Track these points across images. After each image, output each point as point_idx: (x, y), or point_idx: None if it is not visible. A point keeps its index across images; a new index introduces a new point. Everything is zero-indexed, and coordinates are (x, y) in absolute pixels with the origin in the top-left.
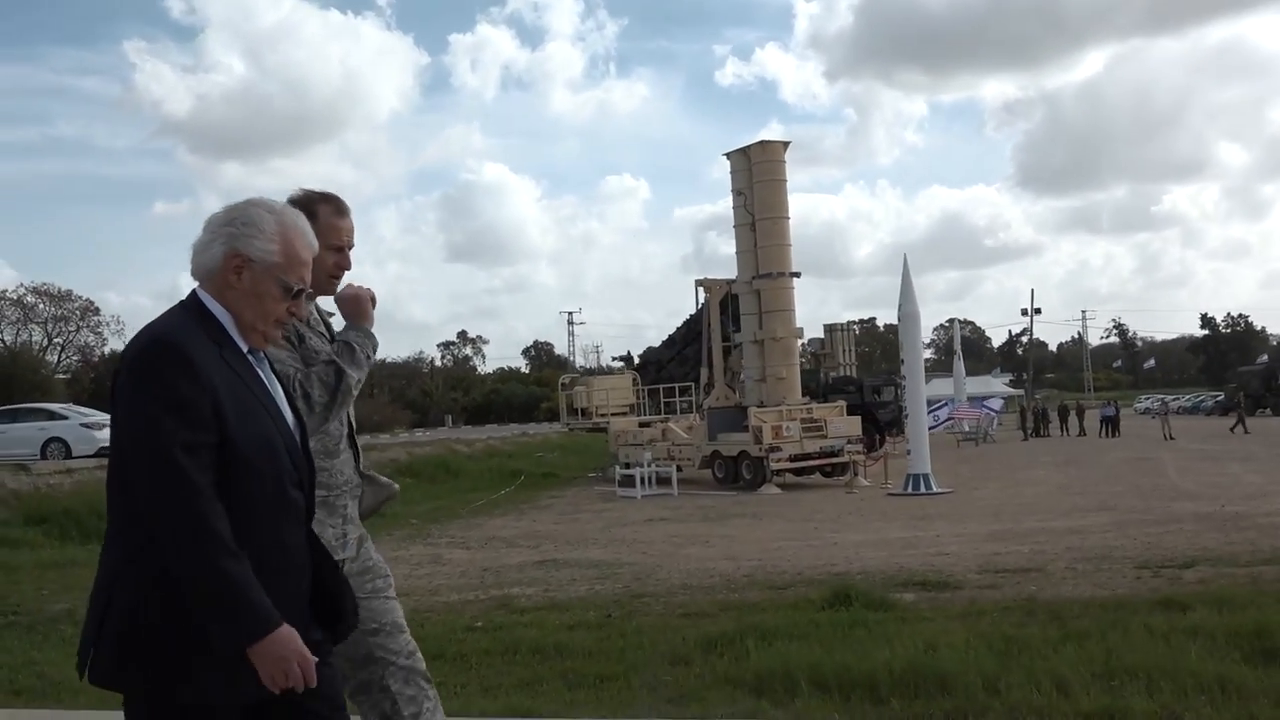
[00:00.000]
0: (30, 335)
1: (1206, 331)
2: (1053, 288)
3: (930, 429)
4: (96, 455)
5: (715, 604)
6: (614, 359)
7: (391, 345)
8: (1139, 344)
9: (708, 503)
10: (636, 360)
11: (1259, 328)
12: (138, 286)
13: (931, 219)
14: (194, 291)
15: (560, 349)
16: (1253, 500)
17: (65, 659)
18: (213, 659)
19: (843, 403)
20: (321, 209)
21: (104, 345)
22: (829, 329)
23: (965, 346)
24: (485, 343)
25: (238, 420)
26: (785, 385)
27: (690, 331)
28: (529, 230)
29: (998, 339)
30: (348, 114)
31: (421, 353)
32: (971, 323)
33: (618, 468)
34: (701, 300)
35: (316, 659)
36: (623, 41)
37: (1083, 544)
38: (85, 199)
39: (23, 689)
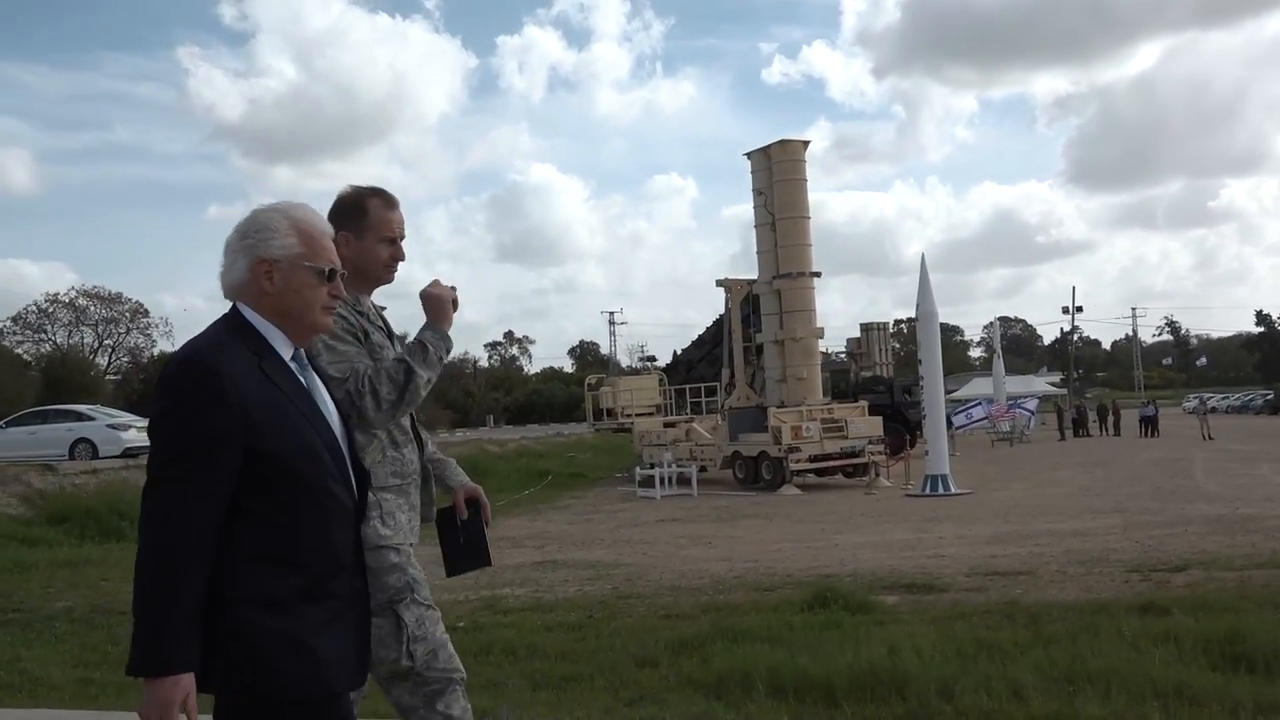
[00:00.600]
0: (82, 337)
1: (1262, 329)
2: (1106, 285)
3: (962, 429)
4: (122, 456)
5: (698, 606)
6: (640, 359)
7: None
8: (1193, 341)
9: (724, 503)
10: (656, 360)
11: None
12: (192, 289)
13: (982, 216)
14: (234, 306)
15: (606, 349)
16: (1271, 502)
17: (52, 656)
18: (281, 659)
19: (864, 403)
20: (371, 203)
21: (153, 347)
22: (865, 328)
23: (1016, 345)
24: (532, 343)
25: (277, 430)
26: (806, 385)
27: (720, 332)
28: (577, 230)
29: (1050, 336)
30: (397, 116)
31: (466, 353)
32: (1022, 320)
33: (637, 468)
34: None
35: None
36: (669, 41)
37: (1083, 546)
38: (141, 203)
39: (3, 685)
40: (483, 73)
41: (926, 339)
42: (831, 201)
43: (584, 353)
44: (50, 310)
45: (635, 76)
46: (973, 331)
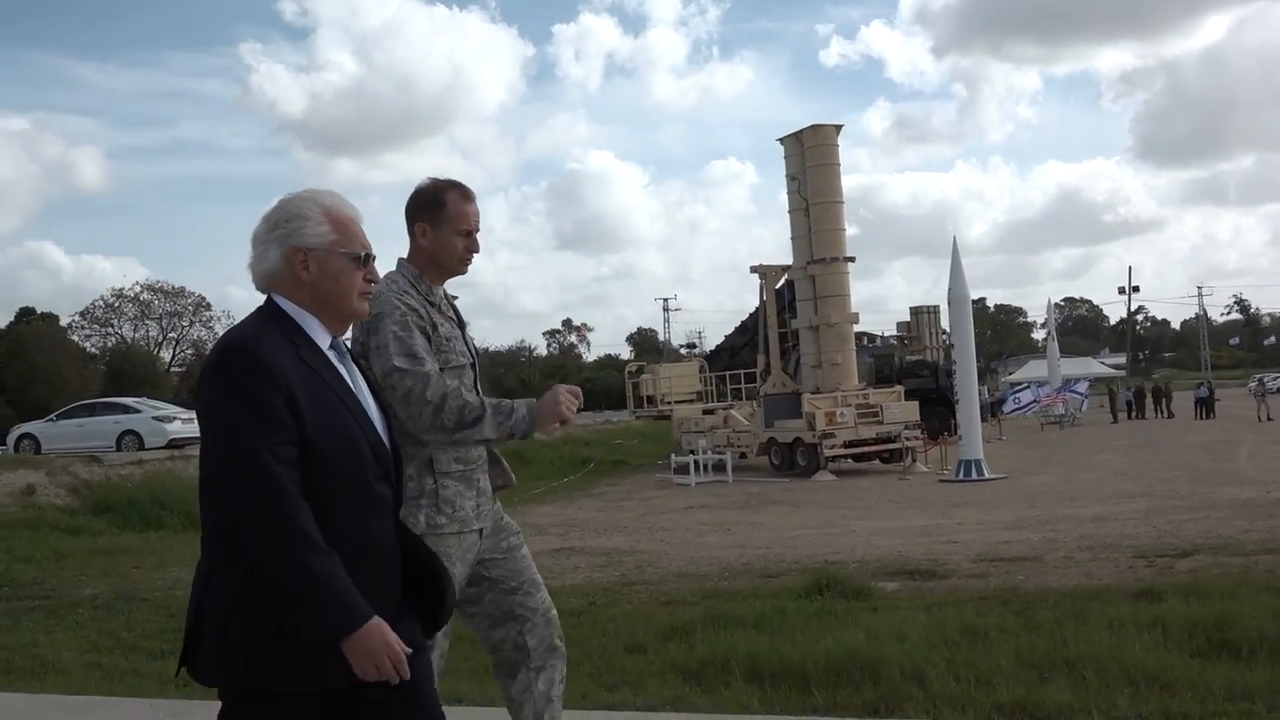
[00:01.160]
0: (147, 331)
1: None
2: (1177, 263)
3: (1012, 413)
4: (168, 447)
5: (700, 592)
6: (681, 346)
7: (496, 334)
8: (1266, 320)
9: (756, 490)
10: (697, 347)
11: None
12: None
13: (1047, 195)
14: (269, 297)
15: (664, 336)
16: None
17: (68, 641)
18: (293, 654)
19: (900, 388)
20: (449, 196)
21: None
22: (915, 311)
23: (1081, 326)
24: (590, 330)
25: (316, 418)
26: (841, 371)
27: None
28: (636, 217)
29: (1116, 316)
30: (455, 107)
31: (523, 340)
32: (1088, 301)
33: (673, 455)
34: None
35: (409, 650)
36: (725, 25)
37: (1099, 532)
38: (209, 198)
39: (15, 669)
40: (540, 62)
41: (959, 323)
42: (892, 183)
43: (642, 340)
44: (116, 305)
45: (692, 62)
46: (1036, 313)
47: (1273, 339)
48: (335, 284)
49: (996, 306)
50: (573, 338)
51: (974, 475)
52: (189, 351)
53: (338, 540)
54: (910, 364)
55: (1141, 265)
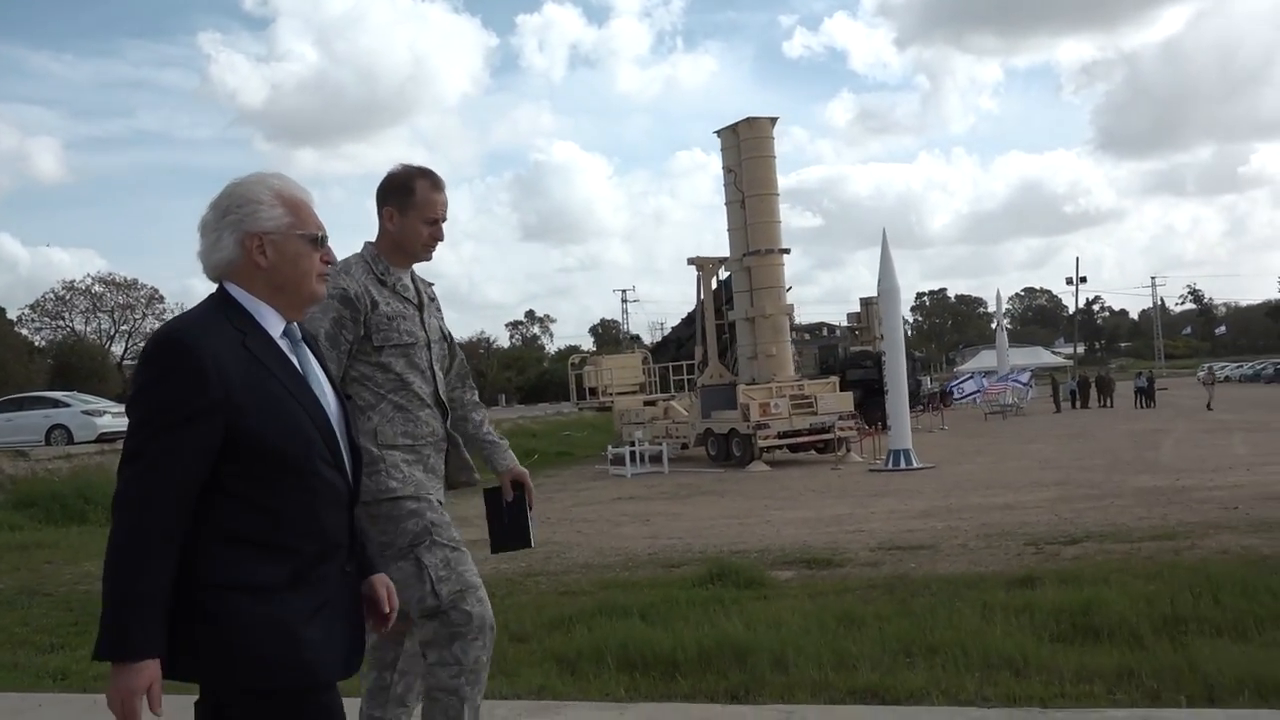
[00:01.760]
0: (99, 324)
1: None
2: (1136, 253)
3: (956, 402)
4: (97, 441)
5: (599, 583)
6: (629, 338)
7: (460, 326)
8: (1223, 309)
9: (689, 481)
10: (640, 339)
11: None
12: None
13: (1009, 186)
14: (221, 284)
15: (625, 327)
16: (1216, 473)
17: None
18: (270, 647)
19: (835, 379)
20: (419, 183)
21: None
22: (865, 302)
23: (1040, 316)
24: (553, 321)
25: (260, 409)
26: (776, 362)
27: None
28: (601, 208)
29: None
30: (418, 98)
31: (483, 332)
32: (1047, 291)
33: (610, 446)
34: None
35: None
36: (689, 15)
37: (1001, 520)
38: (168, 189)
39: None
40: (503, 52)
41: (888, 315)
42: (856, 174)
43: (605, 330)
44: (67, 297)
45: (656, 52)
46: (1000, 304)
47: (1223, 329)
48: (294, 267)
49: (958, 297)
50: (535, 329)
51: (902, 465)
52: (142, 344)
53: (287, 530)
54: (854, 355)
55: (1102, 255)
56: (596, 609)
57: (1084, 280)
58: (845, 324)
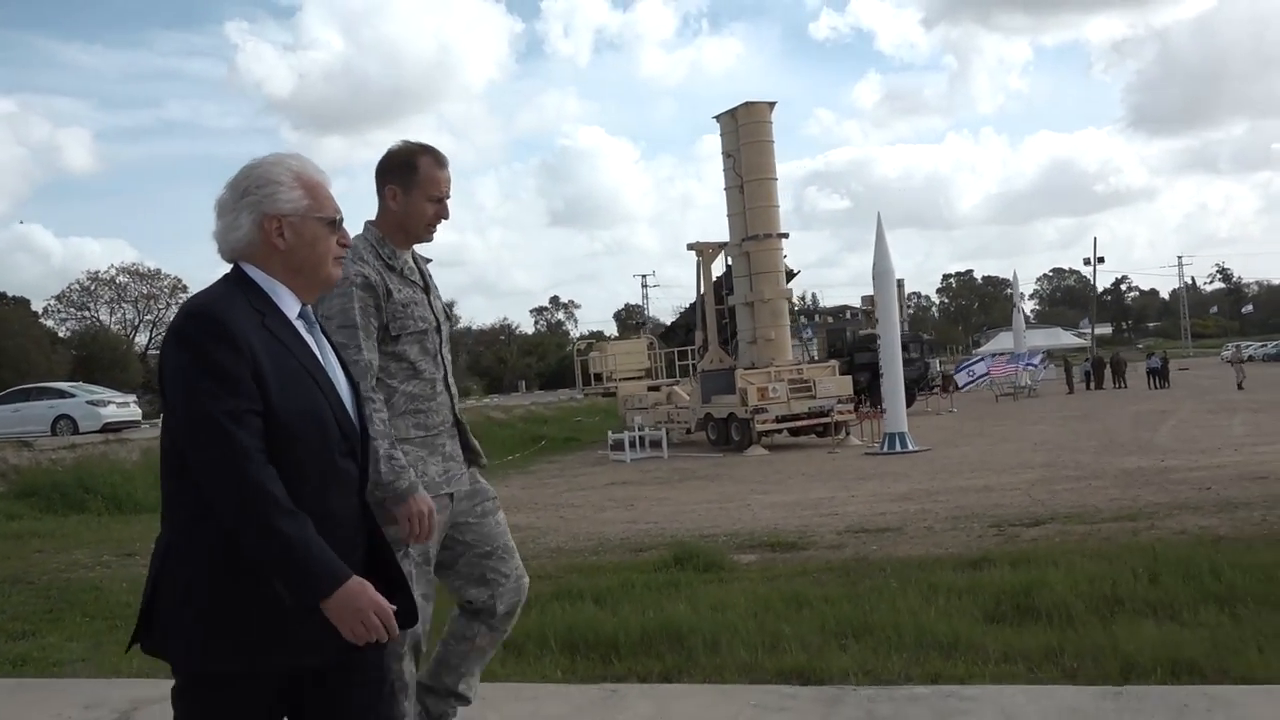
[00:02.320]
0: (124, 314)
1: None
2: (1169, 232)
3: (967, 385)
4: (102, 431)
5: (566, 567)
6: (617, 324)
7: (489, 311)
8: (1255, 287)
9: (685, 465)
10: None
11: None
12: None
13: (1039, 166)
14: (237, 264)
15: (649, 312)
16: (1204, 454)
17: None
18: (251, 631)
19: (834, 363)
20: (422, 160)
21: None
22: None
23: (1070, 296)
24: (578, 307)
25: (280, 389)
26: (774, 347)
27: (719, 293)
28: (627, 193)
29: (1104, 286)
30: (444, 85)
31: (505, 319)
32: (1076, 272)
33: (610, 432)
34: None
35: (394, 607)
36: None
37: (976, 502)
38: (197, 178)
39: None
40: (528, 38)
41: (883, 298)
42: (884, 156)
43: (629, 315)
44: (92, 288)
45: (681, 35)
46: (1025, 284)
47: (1250, 307)
48: (312, 250)
49: (985, 278)
50: (560, 315)
51: (898, 448)
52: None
53: (301, 509)
54: (861, 338)
55: (1134, 235)
56: (554, 593)
57: (1101, 260)
58: (860, 308)
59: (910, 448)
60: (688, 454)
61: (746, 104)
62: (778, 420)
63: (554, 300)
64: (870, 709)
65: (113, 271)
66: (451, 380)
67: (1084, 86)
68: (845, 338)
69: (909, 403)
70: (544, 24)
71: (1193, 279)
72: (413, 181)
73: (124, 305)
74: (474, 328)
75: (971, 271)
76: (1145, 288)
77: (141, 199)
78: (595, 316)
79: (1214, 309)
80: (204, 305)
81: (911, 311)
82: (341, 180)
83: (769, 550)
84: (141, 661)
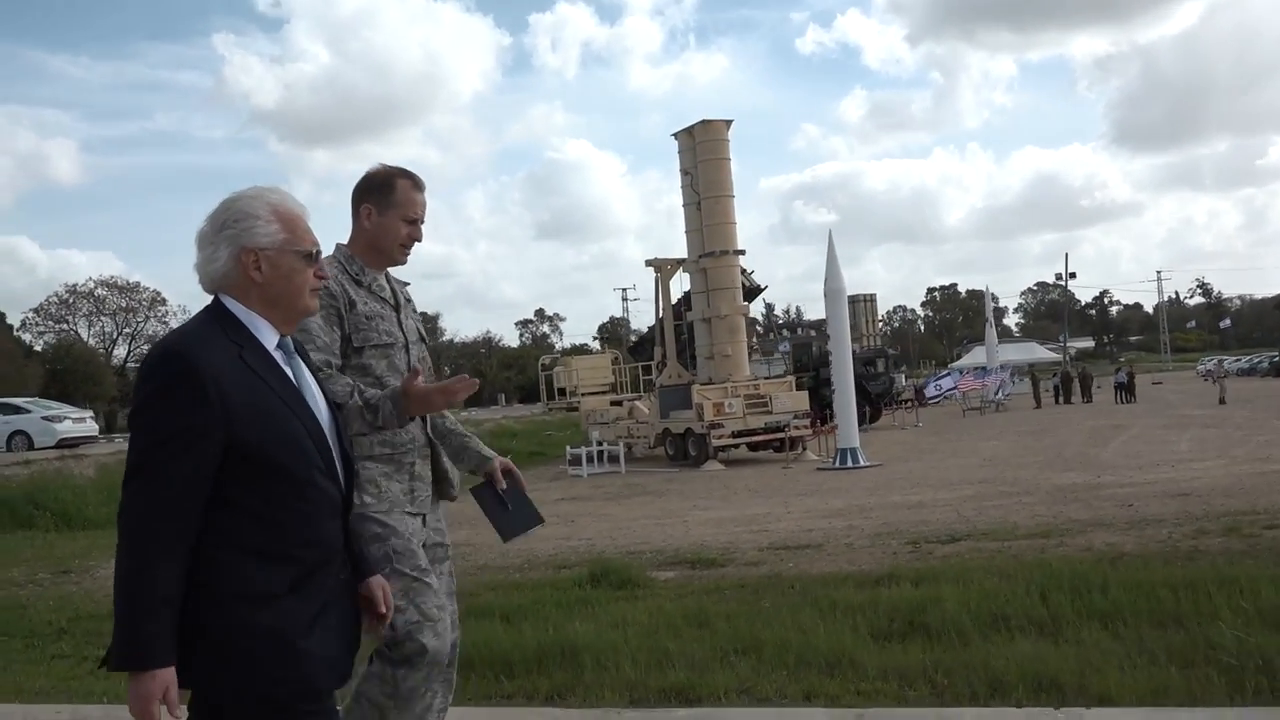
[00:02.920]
0: (102, 326)
1: None
2: (1154, 247)
3: (934, 399)
4: (57, 446)
5: (487, 585)
6: (594, 338)
7: (476, 323)
8: (1237, 302)
9: (639, 481)
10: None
11: None
12: None
13: (1025, 181)
14: (216, 297)
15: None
16: (1140, 470)
17: None
18: (252, 658)
19: (791, 378)
20: (400, 183)
21: None
22: (851, 300)
23: (1054, 311)
24: (563, 320)
25: (257, 421)
26: (732, 363)
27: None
28: (615, 206)
29: (1088, 299)
30: (431, 97)
31: (488, 332)
32: (1060, 286)
33: (568, 447)
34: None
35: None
36: (701, 13)
37: (903, 518)
38: (184, 189)
39: None
40: (516, 51)
41: (834, 315)
42: (870, 170)
43: (613, 328)
44: (70, 301)
45: (668, 50)
46: (1009, 299)
47: (1228, 322)
48: (288, 283)
49: (969, 292)
50: (545, 328)
51: (850, 463)
52: (145, 347)
53: (285, 541)
54: (828, 353)
55: (1119, 249)
56: (466, 612)
57: (1074, 276)
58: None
59: (862, 463)
60: (645, 469)
61: (703, 122)
62: (734, 435)
63: (539, 313)
64: None
65: (91, 284)
66: None
67: (1068, 102)
68: (811, 352)
69: (876, 417)
70: (531, 37)
71: (1177, 293)
72: (389, 201)
73: (102, 318)
74: (457, 340)
75: (955, 285)
76: (1130, 302)
77: (128, 210)
78: (584, 329)
79: (1191, 323)
80: (174, 345)
81: (897, 325)
82: (328, 193)
83: (689, 567)
84: (46, 682)
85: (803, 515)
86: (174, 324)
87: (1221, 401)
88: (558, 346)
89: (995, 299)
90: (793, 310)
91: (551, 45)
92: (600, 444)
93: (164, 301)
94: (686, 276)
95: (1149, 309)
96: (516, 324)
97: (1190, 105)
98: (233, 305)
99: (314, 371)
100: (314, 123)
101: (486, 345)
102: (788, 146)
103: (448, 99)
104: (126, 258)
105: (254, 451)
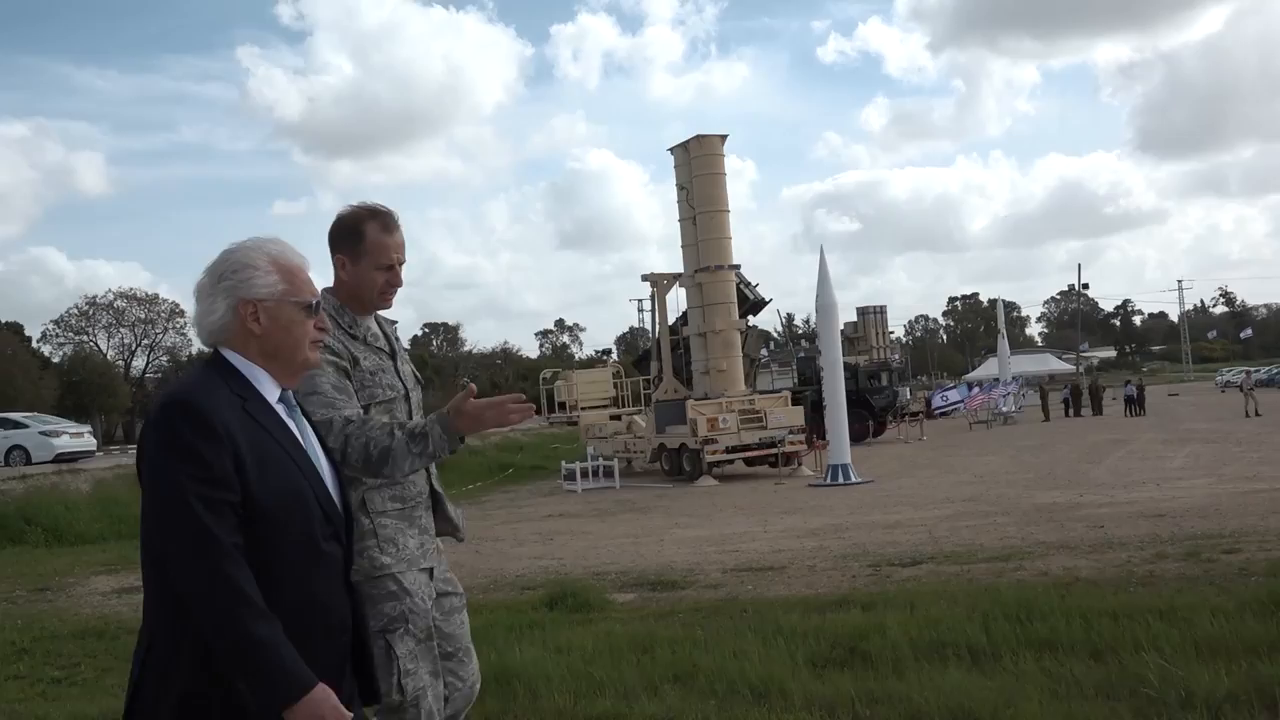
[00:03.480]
0: (121, 338)
1: None
2: (1180, 254)
3: (939, 411)
4: (55, 461)
5: None
6: (595, 352)
7: (498, 334)
8: (1263, 311)
9: (631, 497)
10: (611, 353)
11: None
12: None
13: (1048, 188)
14: (216, 350)
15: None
16: (1125, 489)
17: None
18: None
19: (786, 393)
20: (369, 227)
21: (190, 346)
22: (861, 312)
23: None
24: (583, 330)
25: (262, 474)
26: (727, 378)
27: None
28: (637, 215)
29: (1111, 307)
30: (454, 108)
31: (506, 343)
32: (1084, 295)
33: (564, 461)
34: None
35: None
36: (722, 22)
37: (873, 539)
38: (209, 201)
39: None
40: (538, 62)
41: (826, 330)
42: (893, 179)
43: (632, 338)
44: (90, 313)
45: (689, 60)
46: (1032, 308)
47: (1249, 331)
48: (287, 334)
49: (990, 301)
50: (565, 338)
51: (841, 480)
52: (164, 358)
53: (284, 600)
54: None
55: (1144, 257)
56: None
57: (1086, 287)
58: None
59: (853, 479)
60: (640, 484)
61: (698, 137)
62: (728, 451)
63: (559, 323)
64: None
65: (110, 296)
66: None
67: (1092, 110)
68: (814, 366)
69: (880, 430)
70: (553, 48)
71: (1201, 302)
72: (360, 251)
73: (122, 330)
74: (475, 351)
75: (977, 295)
76: (1155, 310)
77: (154, 222)
78: (605, 339)
79: (1212, 333)
80: (182, 394)
81: (919, 334)
82: (351, 203)
83: (650, 589)
84: None
85: (777, 535)
86: (192, 334)
87: (1254, 414)
88: (578, 357)
89: (1017, 308)
90: (812, 320)
91: (573, 56)
92: (596, 458)
93: (182, 313)
94: (684, 291)
95: (1174, 318)
96: (536, 334)
97: (1215, 111)
98: (233, 357)
99: (332, 427)
100: (338, 134)
101: (504, 356)
102: (810, 155)
103: (470, 110)
104: (153, 269)
105: (261, 506)
